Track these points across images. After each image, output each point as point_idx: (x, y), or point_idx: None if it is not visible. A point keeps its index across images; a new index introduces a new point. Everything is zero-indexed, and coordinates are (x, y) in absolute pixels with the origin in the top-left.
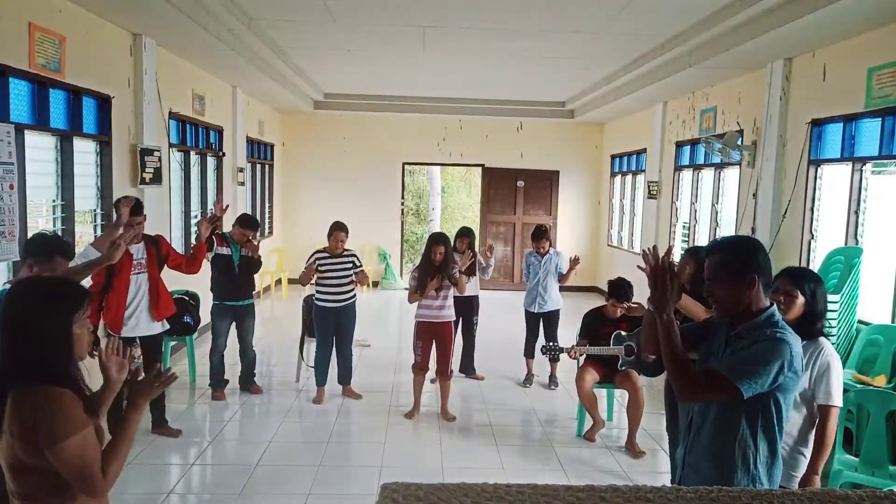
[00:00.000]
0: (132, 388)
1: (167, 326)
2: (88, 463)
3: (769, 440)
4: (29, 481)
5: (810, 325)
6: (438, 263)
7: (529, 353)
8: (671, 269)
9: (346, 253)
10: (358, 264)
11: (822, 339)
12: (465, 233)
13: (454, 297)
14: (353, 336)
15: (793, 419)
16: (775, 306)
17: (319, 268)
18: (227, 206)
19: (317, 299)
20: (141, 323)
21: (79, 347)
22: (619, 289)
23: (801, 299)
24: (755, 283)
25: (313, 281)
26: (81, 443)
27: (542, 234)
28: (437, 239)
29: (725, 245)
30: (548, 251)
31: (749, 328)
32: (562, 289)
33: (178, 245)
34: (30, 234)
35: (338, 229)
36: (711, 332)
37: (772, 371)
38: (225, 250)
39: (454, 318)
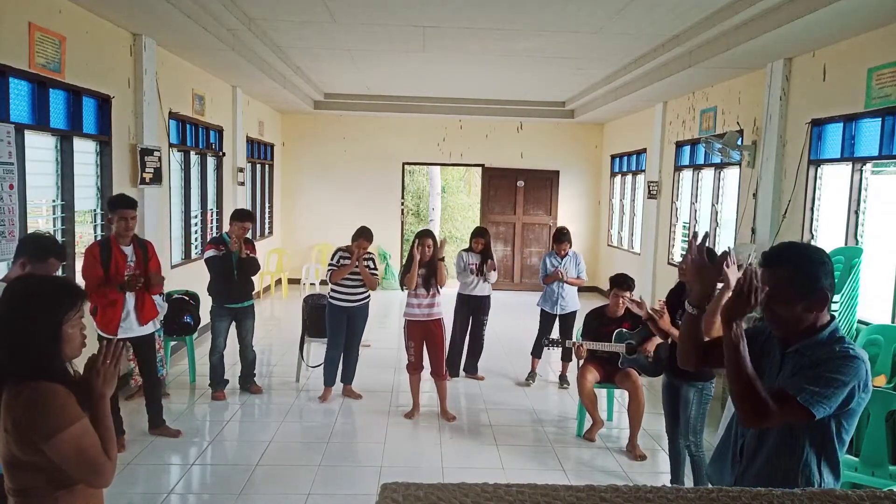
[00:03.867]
0: (89, 378)
1: (158, 326)
2: (90, 450)
3: (833, 466)
4: (24, 477)
5: None
6: (427, 258)
7: (537, 353)
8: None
9: (366, 255)
10: (373, 267)
11: None
12: (479, 233)
13: (466, 295)
14: (362, 336)
15: None
16: (836, 320)
17: (340, 263)
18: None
19: (331, 298)
20: (133, 324)
21: (70, 347)
22: (622, 279)
23: None
24: (826, 302)
25: (327, 278)
26: (78, 433)
27: (563, 237)
28: (424, 233)
29: (791, 257)
30: (567, 253)
31: (811, 345)
32: None
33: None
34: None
35: (362, 237)
36: (757, 345)
37: (845, 392)
38: (222, 253)
39: (443, 316)
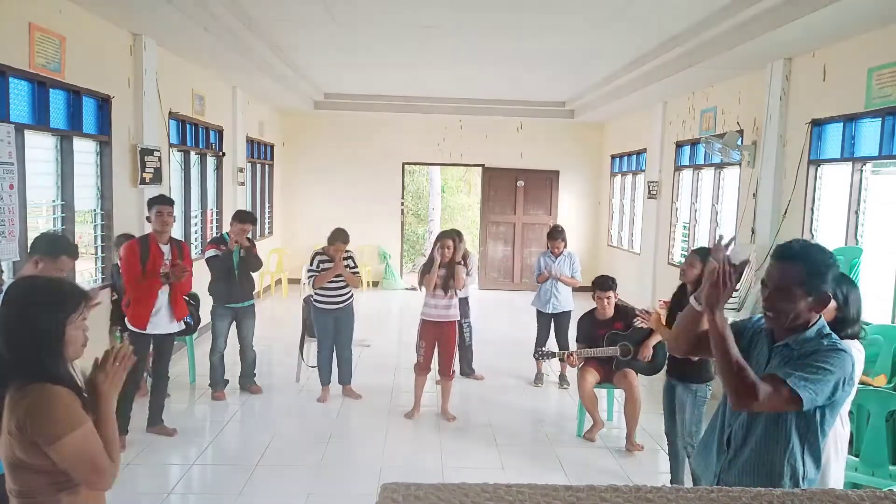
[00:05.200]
0: (95, 378)
1: (183, 326)
2: (94, 454)
3: (815, 456)
4: (27, 479)
5: (839, 330)
6: (447, 260)
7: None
8: (736, 271)
9: (344, 255)
10: (353, 266)
11: (852, 341)
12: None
13: None
14: (352, 336)
15: None
16: (823, 318)
17: (321, 267)
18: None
19: (315, 301)
20: (162, 321)
21: (73, 349)
22: (602, 280)
23: (832, 304)
24: (827, 303)
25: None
26: (83, 437)
27: (557, 235)
28: (445, 234)
29: (806, 255)
30: (562, 251)
31: (800, 341)
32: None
33: None
34: (30, 234)
35: (338, 240)
36: (745, 339)
37: (832, 382)
38: (223, 252)
39: (458, 318)
